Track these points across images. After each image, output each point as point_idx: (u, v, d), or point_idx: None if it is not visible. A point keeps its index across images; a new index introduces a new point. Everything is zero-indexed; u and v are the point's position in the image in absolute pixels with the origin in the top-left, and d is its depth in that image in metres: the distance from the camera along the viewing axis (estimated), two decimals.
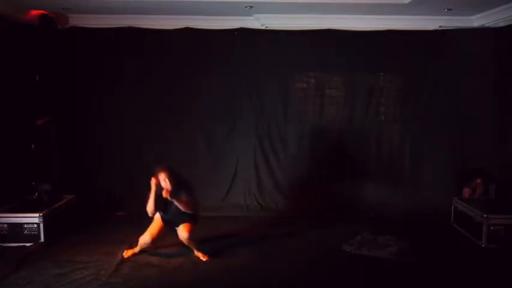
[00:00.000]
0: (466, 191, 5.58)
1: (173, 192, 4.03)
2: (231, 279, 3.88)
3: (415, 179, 5.99)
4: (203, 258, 4.24)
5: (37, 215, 4.59)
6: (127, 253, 4.29)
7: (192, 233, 4.17)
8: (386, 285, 3.83)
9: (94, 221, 5.33)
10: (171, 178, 4.04)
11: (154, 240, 4.21)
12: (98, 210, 5.57)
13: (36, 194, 5.12)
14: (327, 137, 6.06)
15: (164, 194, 4.01)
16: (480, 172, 5.57)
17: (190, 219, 4.21)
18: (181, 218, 4.17)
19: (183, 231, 4.15)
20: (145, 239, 4.20)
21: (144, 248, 4.28)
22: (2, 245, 4.51)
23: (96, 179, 5.85)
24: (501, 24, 5.47)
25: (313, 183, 6.03)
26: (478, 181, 5.53)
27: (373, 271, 4.06)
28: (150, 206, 4.09)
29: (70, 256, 4.26)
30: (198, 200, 4.30)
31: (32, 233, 4.59)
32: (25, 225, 4.59)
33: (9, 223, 4.59)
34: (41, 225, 4.59)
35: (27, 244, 4.54)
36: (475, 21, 5.79)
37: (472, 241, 4.80)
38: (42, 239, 4.59)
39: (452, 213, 5.41)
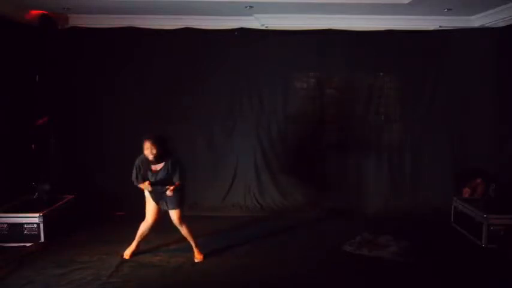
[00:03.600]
0: (466, 191, 5.59)
1: (161, 161, 4.03)
2: (231, 279, 3.88)
3: (415, 179, 5.99)
4: (197, 258, 4.24)
5: (37, 215, 4.60)
6: (127, 254, 4.28)
7: (180, 220, 4.17)
8: (386, 285, 3.83)
9: (94, 221, 5.33)
10: (157, 147, 3.96)
11: (155, 220, 4.20)
12: (98, 210, 5.56)
13: (36, 194, 5.13)
14: (327, 138, 6.06)
15: (168, 193, 3.98)
16: (480, 172, 5.57)
17: (176, 201, 4.13)
18: (167, 196, 4.10)
19: (173, 219, 4.17)
20: (148, 222, 4.21)
21: (146, 234, 4.26)
22: (2, 245, 4.51)
23: (96, 179, 5.85)
24: (501, 24, 5.47)
25: (314, 183, 6.04)
26: (478, 181, 5.53)
27: (373, 271, 4.07)
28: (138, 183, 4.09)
29: (70, 256, 4.27)
30: (185, 176, 4.20)
31: (32, 233, 4.59)
32: (25, 225, 4.59)
33: (9, 223, 4.60)
34: (41, 225, 4.59)
35: (27, 244, 4.54)
36: (475, 21, 5.79)
37: (472, 241, 4.80)
38: (42, 239, 4.60)
39: (452, 213, 5.41)
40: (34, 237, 4.59)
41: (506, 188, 5.16)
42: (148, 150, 3.95)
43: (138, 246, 4.33)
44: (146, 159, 4.03)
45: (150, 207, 4.22)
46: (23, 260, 4.19)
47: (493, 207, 4.81)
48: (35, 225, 4.59)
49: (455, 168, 5.86)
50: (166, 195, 4.06)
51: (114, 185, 5.71)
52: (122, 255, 4.27)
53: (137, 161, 4.09)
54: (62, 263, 4.10)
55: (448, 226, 5.37)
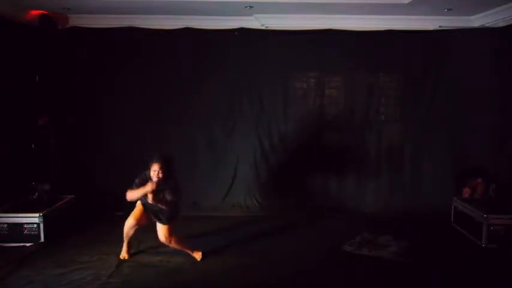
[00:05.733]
0: (466, 191, 5.58)
1: (159, 194, 3.93)
2: (231, 279, 3.88)
3: (415, 179, 5.99)
4: (197, 257, 4.23)
5: (37, 215, 4.60)
6: (123, 255, 4.27)
7: (169, 235, 4.09)
8: (386, 285, 3.83)
9: (94, 221, 5.33)
10: (164, 171, 3.88)
11: (139, 222, 4.10)
12: (98, 210, 5.57)
13: (36, 194, 5.13)
14: (327, 137, 6.07)
15: (150, 200, 3.89)
16: (480, 172, 5.57)
17: (168, 217, 4.08)
18: (159, 210, 4.06)
19: (160, 234, 4.10)
20: (129, 222, 4.11)
21: (130, 234, 4.17)
22: (2, 245, 4.51)
23: (96, 179, 5.85)
24: (501, 24, 5.47)
25: (314, 183, 6.04)
26: (478, 181, 5.53)
27: (373, 271, 4.07)
28: (133, 197, 3.95)
29: (70, 256, 4.27)
30: (180, 199, 4.13)
31: (32, 233, 4.59)
32: (25, 225, 4.59)
33: (9, 223, 4.59)
34: (41, 225, 4.59)
35: (27, 244, 4.54)
36: (475, 21, 5.79)
37: (472, 241, 4.80)
38: (42, 239, 4.60)
39: (452, 213, 5.41)
40: (34, 237, 4.59)
41: (506, 188, 5.16)
42: (155, 173, 3.87)
43: (129, 245, 4.30)
44: (149, 178, 3.93)
45: (136, 209, 4.15)
46: (23, 260, 4.19)
47: (493, 207, 4.81)
48: (35, 225, 4.59)
49: (455, 168, 5.85)
50: (159, 209, 4.01)
51: (114, 185, 5.64)
52: (120, 257, 4.27)
53: (138, 180, 3.96)
54: (62, 263, 4.10)
55: (448, 226, 5.37)
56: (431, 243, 4.75)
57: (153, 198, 3.90)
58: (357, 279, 3.91)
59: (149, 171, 3.92)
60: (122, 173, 5.62)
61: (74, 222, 5.12)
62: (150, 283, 3.78)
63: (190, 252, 4.26)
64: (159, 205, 3.97)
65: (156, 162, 3.89)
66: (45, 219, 4.63)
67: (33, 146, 5.55)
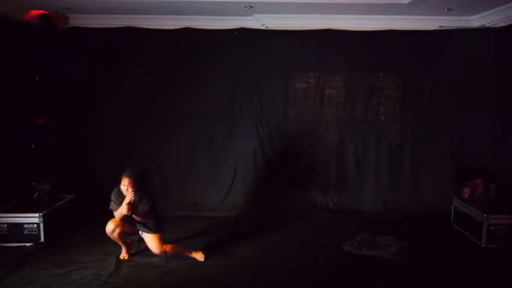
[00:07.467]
0: (466, 191, 5.59)
1: (133, 206, 3.93)
2: (231, 279, 3.88)
3: (415, 179, 5.98)
4: (199, 258, 4.23)
5: (37, 215, 4.60)
6: (123, 256, 4.27)
7: (162, 244, 4.09)
8: (387, 285, 3.83)
9: (94, 221, 5.31)
10: (135, 187, 3.90)
11: (118, 225, 4.02)
12: (98, 210, 5.54)
13: (36, 194, 5.13)
14: (327, 137, 6.07)
15: (126, 211, 3.86)
16: (480, 172, 5.57)
17: (152, 226, 4.10)
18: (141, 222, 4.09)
19: (152, 247, 4.10)
20: (108, 227, 4.04)
21: (116, 237, 4.09)
22: (2, 245, 4.51)
23: (96, 179, 5.84)
24: (501, 24, 5.47)
25: (314, 183, 6.04)
26: (478, 181, 5.53)
27: (373, 271, 4.07)
28: (119, 213, 3.94)
29: (70, 256, 4.27)
30: (158, 208, 4.15)
31: (32, 233, 4.59)
32: (25, 225, 4.59)
33: (9, 223, 4.59)
34: (41, 225, 4.59)
35: (27, 244, 4.54)
36: (475, 21, 5.79)
37: (472, 241, 4.80)
38: (42, 239, 4.60)
39: (452, 213, 5.41)
40: (34, 237, 4.59)
41: (506, 188, 5.16)
42: (125, 188, 3.92)
43: (128, 246, 4.29)
44: (121, 192, 3.97)
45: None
46: (23, 260, 4.19)
47: (493, 207, 4.82)
48: (35, 225, 4.59)
49: (455, 168, 5.85)
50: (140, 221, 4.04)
51: (114, 185, 5.67)
52: (120, 258, 4.27)
53: (112, 195, 4.01)
54: (62, 263, 4.11)
55: (448, 226, 5.37)
56: (431, 243, 4.76)
57: (132, 211, 3.89)
58: (357, 279, 3.91)
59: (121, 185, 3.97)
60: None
61: (74, 222, 5.12)
62: (150, 283, 3.78)
63: (190, 255, 4.25)
64: (135, 216, 3.97)
65: (125, 176, 3.94)
66: (45, 219, 4.63)
67: (33, 146, 5.55)
